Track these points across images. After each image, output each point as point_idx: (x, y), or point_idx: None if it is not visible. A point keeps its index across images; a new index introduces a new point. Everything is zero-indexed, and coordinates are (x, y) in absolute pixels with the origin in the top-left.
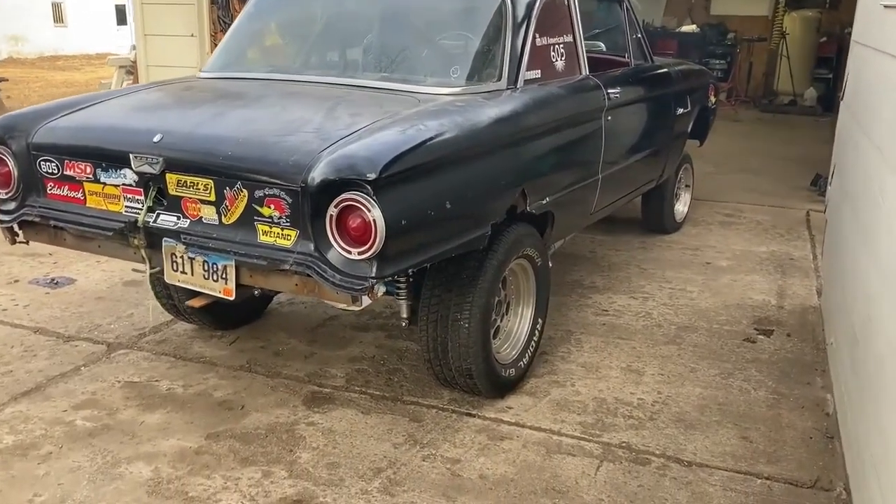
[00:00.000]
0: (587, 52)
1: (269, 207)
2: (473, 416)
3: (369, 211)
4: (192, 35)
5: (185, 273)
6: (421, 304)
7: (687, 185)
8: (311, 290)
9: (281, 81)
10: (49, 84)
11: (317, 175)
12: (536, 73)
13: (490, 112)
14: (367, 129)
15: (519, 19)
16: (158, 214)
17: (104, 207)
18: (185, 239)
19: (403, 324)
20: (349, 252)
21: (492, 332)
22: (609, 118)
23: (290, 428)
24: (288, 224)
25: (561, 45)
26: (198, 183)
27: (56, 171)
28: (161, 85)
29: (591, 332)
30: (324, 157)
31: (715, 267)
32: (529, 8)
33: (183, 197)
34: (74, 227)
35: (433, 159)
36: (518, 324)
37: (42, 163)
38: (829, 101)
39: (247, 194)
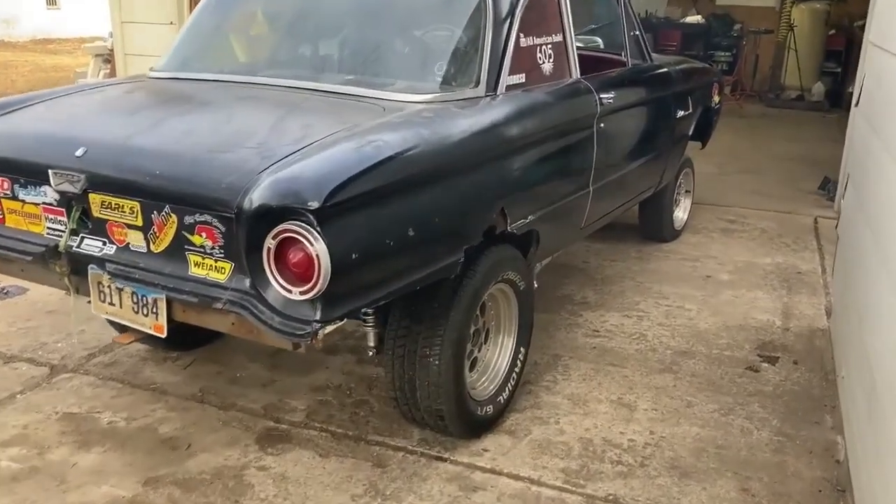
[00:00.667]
0: (580, 50)
1: (201, 236)
2: (444, 460)
3: (311, 244)
4: (171, 23)
5: (114, 305)
6: (387, 336)
7: (687, 191)
8: (249, 332)
9: (236, 84)
10: (38, 69)
11: (252, 201)
12: (520, 78)
13: (463, 124)
14: (317, 144)
15: (501, 17)
16: (83, 238)
17: (24, 228)
18: (109, 268)
19: (370, 353)
20: (289, 291)
21: (467, 366)
22: (602, 125)
23: (238, 473)
24: (222, 256)
25: (549, 46)
26: (123, 205)
27: None
28: (105, 86)
29: (580, 357)
30: (262, 178)
31: (715, 281)
32: (513, 4)
33: (108, 220)
34: None
35: (392, 181)
36: (498, 355)
37: None
38: (837, 96)
39: (176, 220)
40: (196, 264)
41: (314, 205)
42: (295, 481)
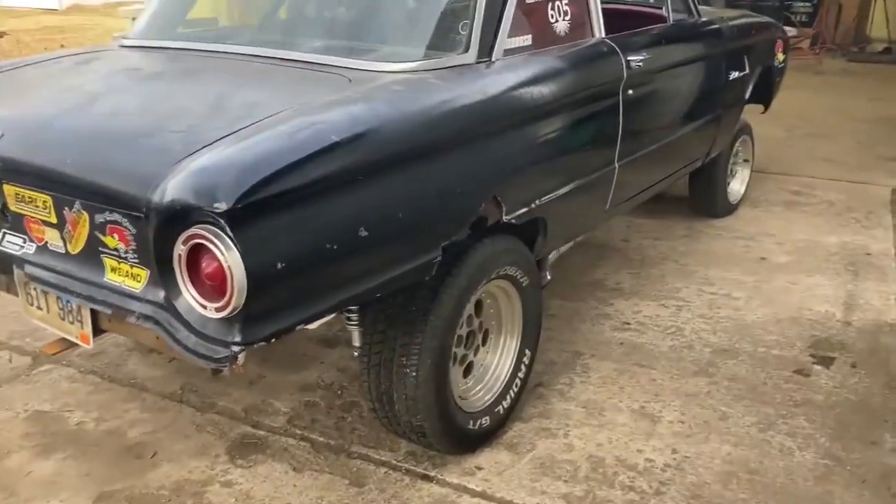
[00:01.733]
0: (611, 4)
1: (113, 237)
2: (431, 479)
3: (222, 253)
4: None
5: (41, 310)
6: (362, 341)
7: (745, 160)
8: (172, 349)
9: (201, 54)
10: (107, 32)
11: (159, 198)
12: (524, 40)
13: (438, 98)
14: (252, 127)
15: None
16: (4, 235)
17: None
18: (28, 269)
19: (356, 353)
20: (204, 307)
21: (459, 373)
22: (630, 93)
23: (200, 489)
24: (137, 261)
25: (564, 1)
26: (36, 199)
27: None
28: (64, 57)
29: (603, 355)
30: (177, 171)
31: (771, 264)
32: None
33: (24, 215)
34: None
35: (336, 172)
36: (498, 359)
37: None
38: None
39: (87, 218)
40: (112, 269)
41: (222, 206)
42: (259, 501)
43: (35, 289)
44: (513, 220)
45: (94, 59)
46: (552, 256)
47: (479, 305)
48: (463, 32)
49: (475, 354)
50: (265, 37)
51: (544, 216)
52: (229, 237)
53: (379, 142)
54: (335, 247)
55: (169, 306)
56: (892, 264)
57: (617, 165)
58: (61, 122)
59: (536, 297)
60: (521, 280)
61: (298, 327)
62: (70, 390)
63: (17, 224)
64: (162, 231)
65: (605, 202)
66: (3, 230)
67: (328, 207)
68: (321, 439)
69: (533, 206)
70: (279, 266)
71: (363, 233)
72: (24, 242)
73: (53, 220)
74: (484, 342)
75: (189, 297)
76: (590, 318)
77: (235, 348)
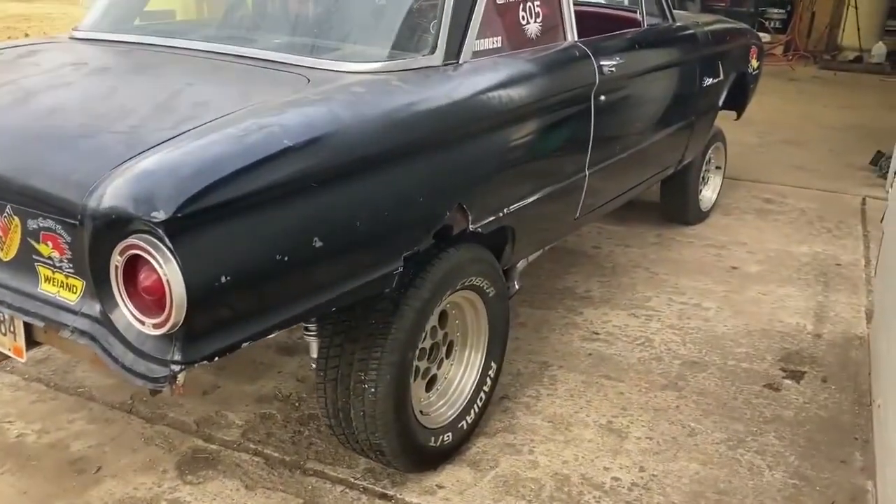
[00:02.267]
0: (584, 7)
1: (47, 245)
2: (389, 498)
3: (160, 265)
4: None
5: None
6: (319, 353)
7: (717, 167)
8: (108, 367)
9: (153, 48)
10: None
11: (95, 205)
12: (494, 42)
13: (400, 101)
14: (199, 129)
15: None
16: None
17: None
18: None
19: (313, 365)
20: (142, 322)
21: (422, 387)
22: (602, 98)
23: None
24: (72, 271)
25: (536, 2)
26: None
27: None
28: (7, 48)
29: (571, 367)
30: (115, 176)
31: (742, 274)
32: None
33: None
34: None
35: (287, 179)
36: (462, 372)
37: None
38: None
39: (19, 224)
40: (47, 279)
41: (160, 215)
42: None
43: None
44: (479, 229)
45: (40, 50)
46: (520, 265)
47: (443, 316)
48: (430, 33)
49: (438, 367)
50: (223, 32)
51: (512, 225)
52: (168, 248)
53: (335, 147)
54: (286, 258)
55: (105, 321)
56: (861, 275)
57: (588, 173)
58: None
59: (503, 308)
60: (488, 291)
61: (245, 344)
62: (12, 399)
63: None
64: (98, 240)
65: (576, 210)
66: None
67: (279, 216)
68: (276, 454)
69: (501, 214)
70: (223, 279)
71: (317, 243)
72: None
73: None
74: (448, 355)
75: (126, 312)
76: (558, 327)
77: (175, 367)
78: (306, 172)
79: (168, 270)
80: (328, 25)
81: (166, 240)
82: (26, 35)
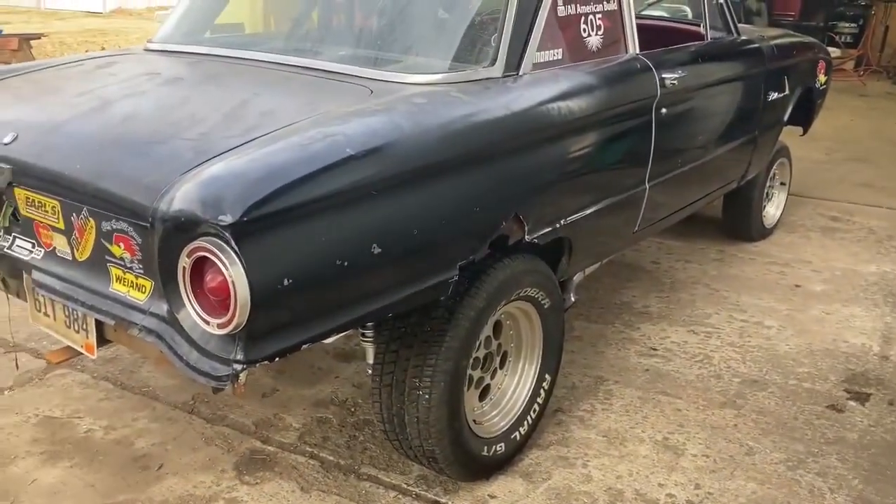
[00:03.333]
0: (652, 20)
1: (119, 246)
2: None
3: (226, 267)
4: None
5: (48, 316)
6: (374, 359)
7: (782, 183)
8: (173, 364)
9: (224, 59)
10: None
11: (165, 208)
12: (555, 54)
13: (460, 112)
14: (266, 137)
15: None
16: (15, 239)
17: None
18: (35, 275)
19: (369, 371)
20: (207, 322)
21: (475, 396)
22: (664, 111)
23: None
24: (142, 272)
25: (598, 15)
26: (45, 203)
27: None
28: (86, 59)
29: (628, 382)
30: (185, 180)
31: (806, 292)
32: None
33: (34, 220)
34: None
35: (349, 186)
36: (516, 383)
37: None
38: None
39: (94, 225)
40: (118, 279)
41: (227, 219)
42: None
43: (42, 295)
44: (535, 240)
45: (116, 62)
46: (577, 278)
47: (497, 327)
48: (490, 45)
49: (492, 378)
50: (289, 44)
51: (569, 236)
52: (234, 251)
53: (396, 156)
54: (345, 263)
55: (172, 320)
56: None
57: (648, 186)
58: (73, 126)
59: (559, 320)
60: (543, 302)
61: (305, 346)
62: (82, 396)
63: (27, 228)
64: (167, 242)
65: (635, 223)
66: (14, 234)
67: (340, 222)
68: (331, 458)
69: (558, 225)
70: (286, 282)
71: (376, 249)
72: (33, 247)
73: (61, 225)
74: (502, 365)
75: (192, 312)
76: (615, 341)
77: (237, 366)
78: (367, 180)
79: (233, 272)
80: (390, 38)
81: (232, 243)
82: (102, 48)
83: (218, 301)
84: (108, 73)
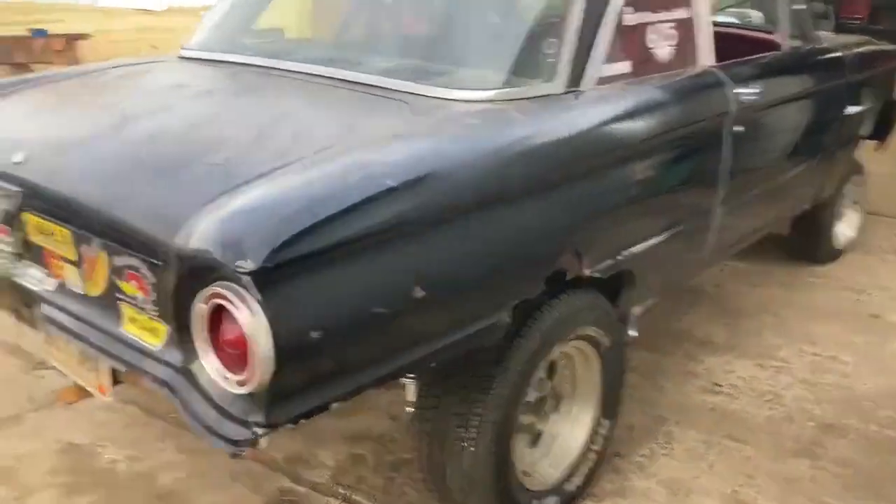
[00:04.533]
0: (722, 28)
1: (132, 284)
2: None
3: (246, 318)
4: None
5: (61, 352)
6: (415, 402)
7: (855, 202)
8: (186, 422)
9: (257, 70)
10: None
11: (180, 246)
12: (622, 67)
13: (515, 135)
14: (297, 164)
15: None
16: (27, 267)
17: None
18: (45, 309)
19: (408, 409)
20: (225, 378)
21: (524, 443)
22: (738, 129)
23: None
24: (156, 314)
25: (669, 24)
26: (55, 231)
27: None
28: (113, 67)
29: (690, 422)
30: (203, 214)
31: (885, 323)
32: None
33: (45, 248)
34: None
35: (389, 224)
36: (571, 429)
37: None
38: None
39: (106, 259)
40: (131, 319)
41: (248, 264)
42: None
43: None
44: (595, 274)
45: (144, 71)
46: (638, 310)
47: (551, 367)
48: (550, 58)
49: (544, 423)
50: (330, 53)
51: (632, 268)
52: (255, 300)
53: (442, 186)
54: (383, 310)
55: (187, 372)
56: None
57: (718, 210)
58: (88, 146)
59: (619, 359)
60: (602, 341)
61: (335, 405)
62: (106, 421)
63: (38, 257)
64: (182, 284)
65: (703, 251)
66: (26, 262)
67: (378, 264)
68: (365, 502)
69: (619, 257)
70: (314, 334)
71: (418, 293)
72: (44, 278)
73: (72, 256)
74: (555, 409)
75: (208, 365)
76: (676, 375)
77: (258, 430)
78: (409, 216)
79: (254, 324)
80: (439, 48)
81: (254, 290)
82: (153, 48)
83: (237, 355)
84: (133, 84)
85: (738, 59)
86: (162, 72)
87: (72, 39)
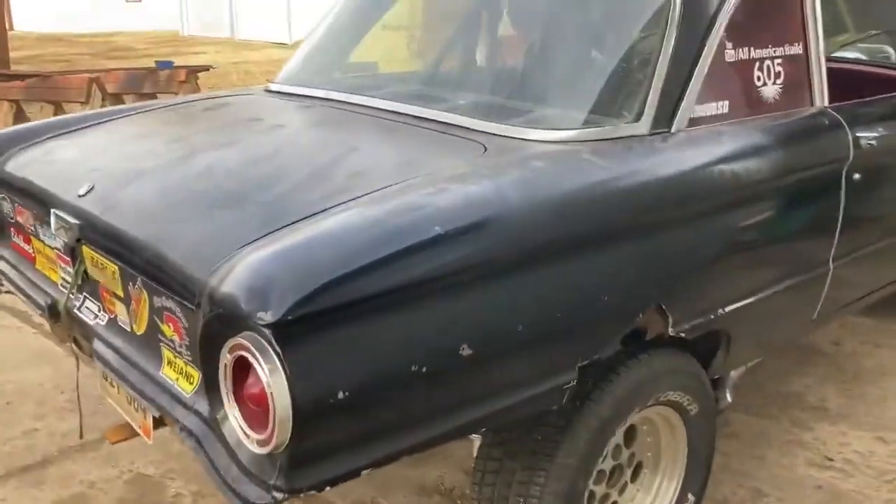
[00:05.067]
0: (834, 65)
1: (169, 326)
2: None
3: (265, 374)
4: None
5: (114, 387)
6: (475, 464)
7: None
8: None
9: (336, 105)
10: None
11: (212, 290)
12: (719, 107)
13: (587, 180)
14: (345, 205)
15: (695, 20)
16: (85, 300)
17: (47, 273)
18: (96, 344)
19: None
20: (247, 435)
21: None
22: (857, 177)
23: None
24: (190, 360)
25: (778, 59)
26: (107, 266)
27: (11, 215)
28: (199, 99)
29: (793, 501)
30: (240, 258)
31: None
32: (719, 2)
33: (99, 283)
34: (16, 292)
35: (434, 272)
36: (651, 502)
37: (2, 201)
38: None
39: (147, 299)
40: (169, 363)
41: (268, 317)
42: None
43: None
44: (682, 334)
45: (227, 104)
46: (736, 374)
47: (631, 432)
48: (635, 95)
49: (620, 493)
50: (411, 89)
51: (727, 329)
52: (276, 354)
53: (498, 234)
54: (424, 369)
55: (213, 424)
56: None
57: (832, 266)
58: (147, 180)
59: (708, 428)
60: (689, 408)
61: (365, 472)
62: (179, 453)
63: (94, 291)
64: (209, 331)
65: (813, 310)
66: (84, 295)
67: (419, 318)
68: None
69: (712, 316)
70: (340, 395)
71: (465, 351)
72: (98, 312)
73: (121, 293)
74: (634, 478)
75: (233, 420)
76: (779, 444)
77: (277, 495)
78: (459, 265)
79: (274, 381)
80: (524, 86)
81: (274, 344)
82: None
83: (259, 412)
84: (210, 116)
85: (860, 100)
86: (243, 105)
87: (193, 71)
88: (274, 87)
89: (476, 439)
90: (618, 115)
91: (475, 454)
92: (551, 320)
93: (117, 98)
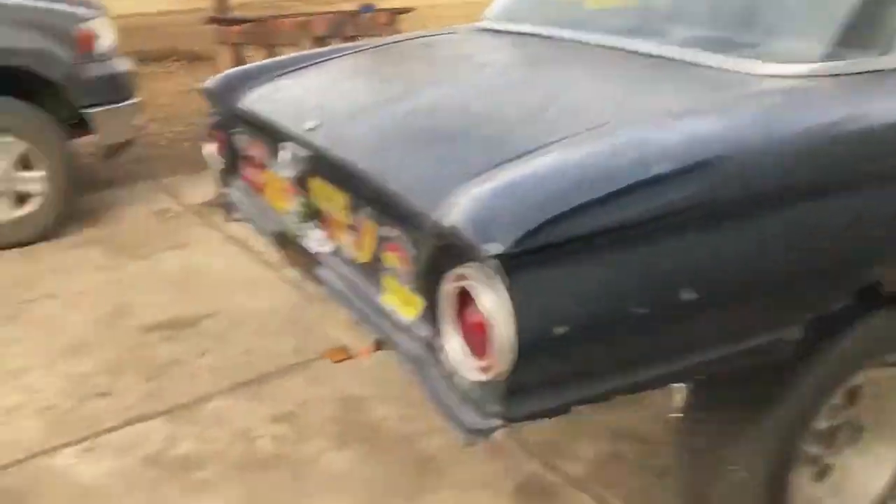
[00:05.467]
0: None
1: (393, 255)
2: None
3: (490, 304)
4: None
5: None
6: (681, 425)
7: None
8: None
9: (546, 41)
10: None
11: (438, 220)
12: None
13: (827, 118)
14: (563, 142)
15: None
16: (311, 228)
17: (275, 203)
18: (319, 270)
19: (671, 415)
20: (467, 361)
21: (803, 481)
22: None
23: None
24: (413, 286)
25: None
26: (335, 197)
27: (244, 149)
28: (407, 39)
29: None
30: (465, 190)
31: None
32: None
33: (326, 212)
34: (247, 221)
35: (654, 213)
36: (869, 468)
37: (236, 135)
38: None
39: (374, 228)
40: (391, 290)
41: (495, 247)
42: None
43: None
44: None
45: (438, 42)
46: None
47: (853, 393)
48: (885, 24)
49: (836, 456)
50: (630, 24)
51: None
52: (502, 285)
53: (727, 176)
54: (642, 311)
55: (433, 350)
56: None
57: None
58: (371, 116)
59: None
60: None
61: (577, 408)
62: (386, 379)
63: (320, 220)
64: (435, 260)
65: None
66: (311, 223)
67: (640, 259)
68: None
69: None
70: (560, 329)
71: (685, 295)
72: (324, 240)
73: (347, 222)
74: (853, 441)
75: (453, 346)
76: None
77: (496, 421)
78: (683, 206)
79: (499, 310)
80: (755, 15)
81: (500, 275)
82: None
83: (480, 339)
84: (425, 55)
85: None
86: (455, 43)
87: (396, 13)
88: (485, 24)
89: (678, 389)
90: (864, 47)
91: (677, 403)
92: (780, 269)
93: (322, 42)
